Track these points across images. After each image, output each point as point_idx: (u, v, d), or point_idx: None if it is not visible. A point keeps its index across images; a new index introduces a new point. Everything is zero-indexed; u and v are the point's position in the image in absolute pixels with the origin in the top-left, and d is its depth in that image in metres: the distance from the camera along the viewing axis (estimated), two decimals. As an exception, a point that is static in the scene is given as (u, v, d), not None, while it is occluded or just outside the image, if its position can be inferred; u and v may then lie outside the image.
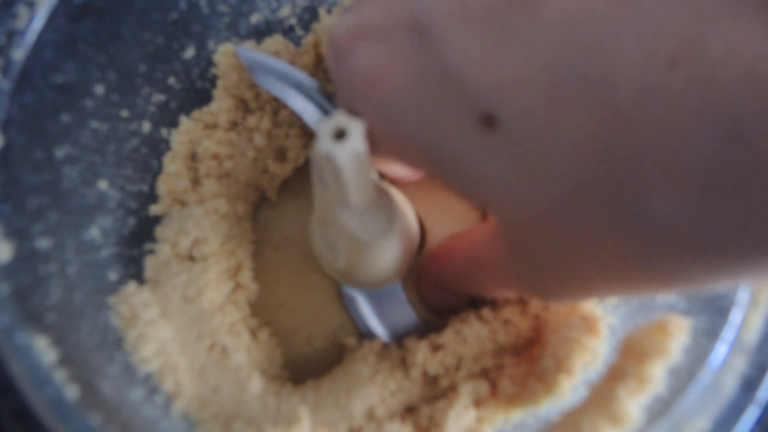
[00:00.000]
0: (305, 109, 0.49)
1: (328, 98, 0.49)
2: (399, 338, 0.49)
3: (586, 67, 0.22)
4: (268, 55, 0.52)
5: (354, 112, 0.33)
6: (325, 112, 0.49)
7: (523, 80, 0.24)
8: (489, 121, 0.26)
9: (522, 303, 0.49)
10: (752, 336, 0.40)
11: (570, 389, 0.42)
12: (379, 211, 0.41)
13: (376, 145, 0.33)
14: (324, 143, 0.33)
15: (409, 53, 0.28)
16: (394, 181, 0.48)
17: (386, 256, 0.43)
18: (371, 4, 0.31)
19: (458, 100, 0.26)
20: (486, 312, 0.48)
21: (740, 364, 0.39)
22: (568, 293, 0.32)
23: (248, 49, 0.51)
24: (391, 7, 0.29)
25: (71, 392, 0.37)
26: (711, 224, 0.22)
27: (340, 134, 0.33)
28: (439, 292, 0.48)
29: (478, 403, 0.46)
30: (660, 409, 0.39)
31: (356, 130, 0.33)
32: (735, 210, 0.21)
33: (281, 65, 0.50)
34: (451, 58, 0.26)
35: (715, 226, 0.22)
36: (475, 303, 0.52)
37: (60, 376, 0.37)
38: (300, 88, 0.49)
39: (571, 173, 0.24)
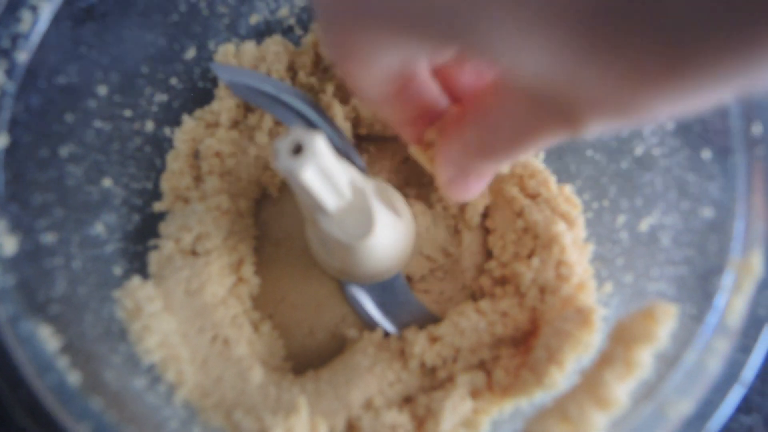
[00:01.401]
0: (284, 116, 0.50)
1: (310, 104, 0.50)
2: (406, 326, 0.50)
3: None
4: (244, 69, 0.53)
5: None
6: (303, 118, 0.50)
7: None
8: None
9: (520, 295, 0.50)
10: (736, 319, 0.40)
11: (560, 381, 0.43)
12: (359, 213, 0.41)
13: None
14: (283, 160, 0.34)
15: None
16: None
17: (375, 253, 0.44)
18: None
19: None
20: (484, 304, 0.49)
21: (724, 348, 0.39)
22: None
23: (224, 66, 0.52)
24: None
25: (73, 378, 0.39)
26: (726, 16, 0.21)
27: (297, 149, 0.34)
28: (459, 175, 0.40)
29: (474, 393, 0.46)
30: (646, 392, 0.40)
31: (313, 143, 0.34)
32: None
33: (258, 76, 0.51)
34: None
35: (733, 18, 0.21)
36: (474, 296, 0.53)
37: (63, 362, 0.39)
38: (278, 96, 0.50)
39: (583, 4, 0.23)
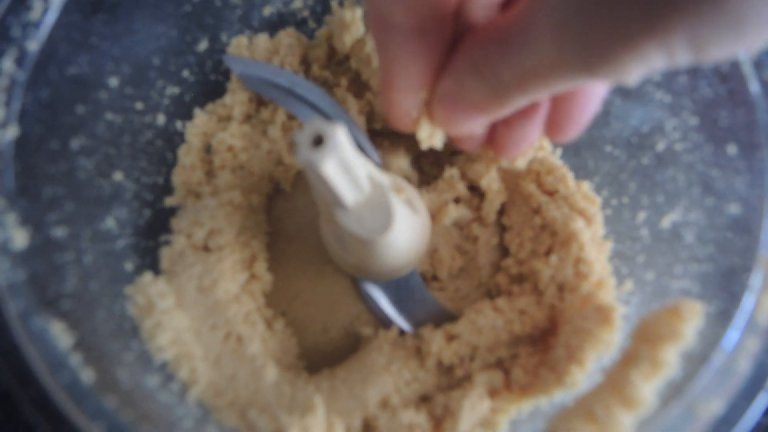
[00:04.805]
0: (298, 109, 0.49)
1: (324, 98, 0.49)
2: (421, 325, 0.50)
3: None
4: (257, 61, 0.52)
5: None
6: (317, 111, 0.49)
7: None
8: None
9: (538, 293, 0.49)
10: (765, 317, 0.39)
11: (581, 380, 0.42)
12: (377, 207, 0.41)
13: None
14: (303, 152, 0.33)
15: None
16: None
17: (393, 249, 0.43)
18: None
19: None
20: (501, 302, 0.48)
21: (754, 346, 0.39)
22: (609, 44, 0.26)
23: (237, 58, 0.51)
24: None
25: (87, 376, 0.38)
26: None
27: (318, 141, 0.34)
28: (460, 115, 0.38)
29: (492, 393, 0.46)
30: (673, 392, 0.39)
31: (334, 135, 0.33)
32: None
33: (271, 69, 0.51)
34: None
35: None
36: (490, 293, 0.53)
37: (76, 360, 0.38)
38: (292, 89, 0.49)
39: None
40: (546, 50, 0.28)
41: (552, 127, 0.40)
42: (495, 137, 0.43)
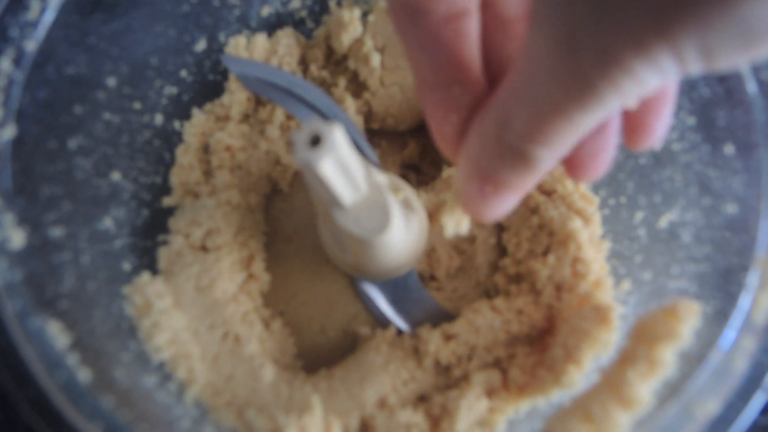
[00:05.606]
0: (296, 109, 0.49)
1: (323, 98, 0.49)
2: (419, 325, 0.50)
3: None
4: (255, 61, 0.52)
5: None
6: (315, 111, 0.49)
7: None
8: None
9: (535, 293, 0.49)
10: (762, 317, 0.39)
11: (578, 380, 0.42)
12: (374, 207, 0.41)
13: None
14: (301, 152, 0.33)
15: None
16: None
17: (389, 249, 0.43)
18: None
19: None
20: (499, 302, 0.48)
21: (750, 345, 0.39)
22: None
23: (235, 58, 0.51)
24: None
25: (84, 375, 0.38)
26: None
27: (315, 141, 0.34)
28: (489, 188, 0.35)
29: (490, 392, 0.46)
30: (670, 392, 0.39)
31: (331, 134, 0.33)
32: None
33: (269, 69, 0.51)
34: None
35: None
36: (488, 293, 0.53)
37: (73, 360, 0.38)
38: (290, 89, 0.49)
39: None
40: (557, 73, 0.26)
41: (632, 133, 0.35)
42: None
